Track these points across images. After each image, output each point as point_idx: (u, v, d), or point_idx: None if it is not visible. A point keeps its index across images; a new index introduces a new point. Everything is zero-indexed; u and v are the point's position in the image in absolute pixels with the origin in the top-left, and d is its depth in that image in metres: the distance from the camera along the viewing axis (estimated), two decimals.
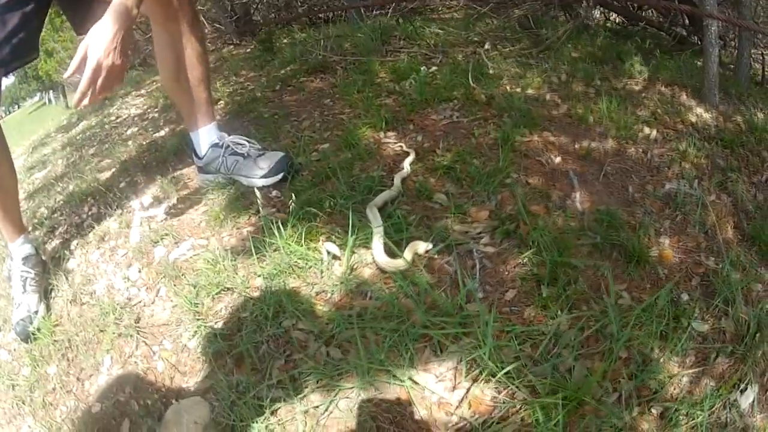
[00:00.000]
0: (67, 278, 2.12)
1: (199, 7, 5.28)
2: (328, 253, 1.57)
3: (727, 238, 1.84)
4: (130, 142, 3.32)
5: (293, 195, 1.88)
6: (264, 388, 1.32)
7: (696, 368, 1.37)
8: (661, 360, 1.35)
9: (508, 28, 3.52)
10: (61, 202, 2.81)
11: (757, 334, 1.45)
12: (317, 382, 1.30)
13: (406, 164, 1.91)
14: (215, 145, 2.21)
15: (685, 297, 1.54)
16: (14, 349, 2.02)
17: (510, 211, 1.67)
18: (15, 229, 2.23)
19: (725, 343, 1.45)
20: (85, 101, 1.58)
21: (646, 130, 2.33)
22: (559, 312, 1.39)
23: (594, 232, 1.64)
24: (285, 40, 4.29)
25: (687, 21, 3.79)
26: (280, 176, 2.06)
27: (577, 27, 3.46)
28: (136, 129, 3.70)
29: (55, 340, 1.88)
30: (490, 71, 2.69)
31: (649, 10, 4.12)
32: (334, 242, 1.60)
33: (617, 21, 4.17)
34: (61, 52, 13.69)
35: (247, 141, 2.20)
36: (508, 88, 2.53)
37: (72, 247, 2.32)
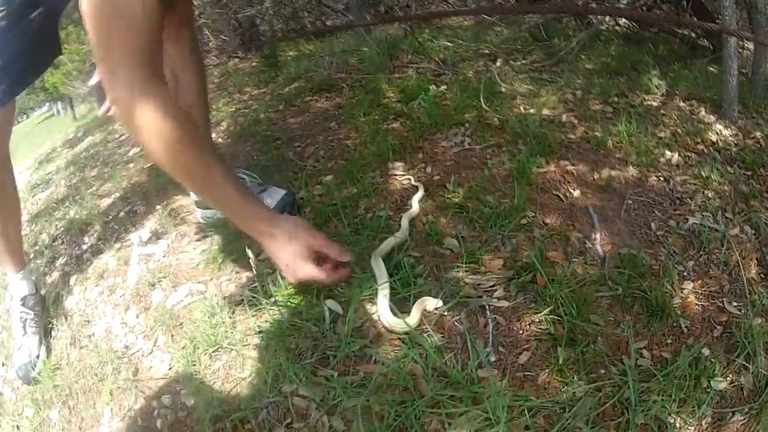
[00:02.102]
0: (66, 318, 2.08)
1: (204, 20, 5.21)
2: (330, 311, 1.48)
3: (750, 278, 1.74)
4: (131, 165, 3.27)
5: None
6: None
7: (711, 431, 1.31)
8: (678, 425, 1.28)
9: (519, 39, 3.40)
10: (62, 229, 2.76)
11: None
12: None
13: (415, 202, 1.81)
14: None
15: (706, 352, 1.46)
16: (17, 387, 1.99)
17: (526, 259, 1.57)
18: (16, 261, 2.19)
19: (742, 401, 1.38)
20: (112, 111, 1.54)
21: (668, 154, 2.23)
22: (576, 378, 1.31)
23: (615, 283, 1.54)
24: (291, 53, 4.20)
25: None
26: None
27: (589, 36, 3.34)
28: (138, 149, 3.64)
29: (56, 385, 1.83)
30: (503, 90, 2.58)
31: (661, 14, 4.00)
32: (337, 296, 1.52)
33: (628, 25, 4.03)
34: (68, 64, 13.64)
35: (248, 175, 2.13)
36: (522, 109, 2.42)
37: (71, 283, 2.26)
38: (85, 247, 2.49)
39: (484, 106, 2.37)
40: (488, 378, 1.29)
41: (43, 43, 2.04)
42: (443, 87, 2.66)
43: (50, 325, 2.10)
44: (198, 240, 2.08)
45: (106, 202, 2.90)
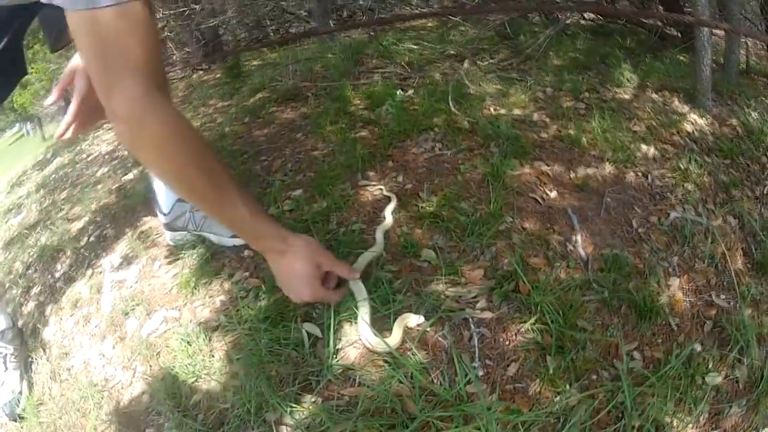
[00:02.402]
0: (44, 351, 2.05)
1: (167, 33, 5.12)
2: (309, 334, 1.40)
3: (737, 269, 1.71)
4: (99, 186, 3.20)
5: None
6: None
7: (709, 427, 1.27)
8: (675, 424, 1.23)
9: (485, 39, 3.36)
10: (35, 256, 2.70)
11: None
12: None
13: (388, 213, 1.73)
14: (181, 200, 2.04)
15: (698, 348, 1.42)
16: (5, 424, 1.95)
17: (507, 267, 1.51)
18: None
19: (738, 394, 1.35)
20: (68, 134, 1.49)
21: (644, 148, 2.19)
22: (568, 386, 1.25)
23: (601, 285, 1.49)
24: (255, 63, 4.13)
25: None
26: None
27: (556, 32, 3.31)
28: (106, 169, 3.58)
29: (41, 422, 1.79)
30: (471, 91, 2.52)
31: (629, 7, 4.00)
32: (315, 318, 1.44)
33: (593, 19, 4.01)
34: (35, 83, 13.51)
35: None
36: (492, 110, 2.37)
37: (47, 313, 2.22)
38: (57, 275, 2.43)
39: (453, 109, 2.31)
40: (477, 394, 1.23)
41: (7, 64, 1.91)
42: (410, 91, 2.60)
43: (30, 359, 2.06)
44: (169, 263, 2.01)
45: (76, 226, 2.84)
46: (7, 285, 2.47)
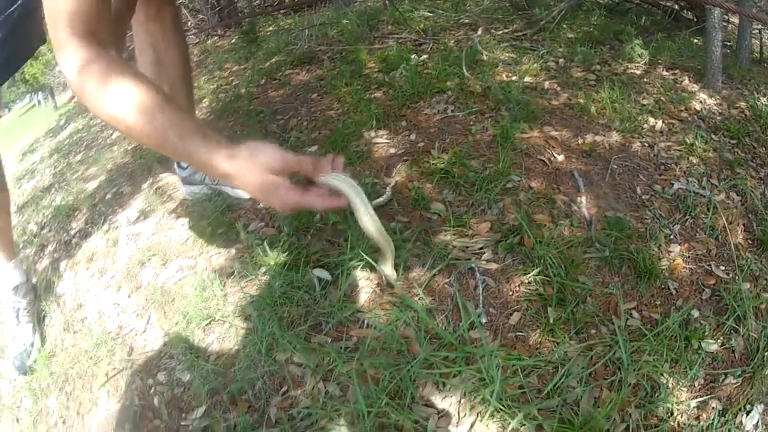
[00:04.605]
0: (58, 304, 2.07)
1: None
2: (319, 279, 1.45)
3: (737, 243, 1.74)
4: (115, 148, 3.22)
5: None
6: (262, 430, 1.25)
7: (704, 393, 1.31)
8: (670, 385, 1.28)
9: (500, 9, 3.37)
10: (50, 216, 2.74)
11: (767, 352, 1.38)
12: (316, 422, 1.21)
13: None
14: None
15: (695, 314, 1.46)
16: (14, 380, 2.00)
17: (513, 222, 1.55)
18: (6, 252, 2.19)
19: (734, 363, 1.39)
20: None
21: (651, 120, 2.21)
22: (567, 338, 1.30)
23: (602, 245, 1.53)
24: (270, 28, 4.13)
25: None
26: None
27: (571, 6, 3.31)
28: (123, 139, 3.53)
29: (51, 373, 1.83)
30: (484, 57, 2.54)
31: None
32: (326, 263, 1.49)
33: None
34: (47, 53, 13.44)
35: None
36: (504, 76, 2.39)
37: (61, 269, 2.25)
38: (73, 232, 2.47)
39: (466, 73, 2.33)
40: (480, 339, 1.28)
41: (25, 32, 1.95)
42: (424, 56, 2.62)
43: (43, 313, 2.09)
44: (185, 216, 2.05)
45: (92, 185, 2.86)
46: (21, 245, 2.52)
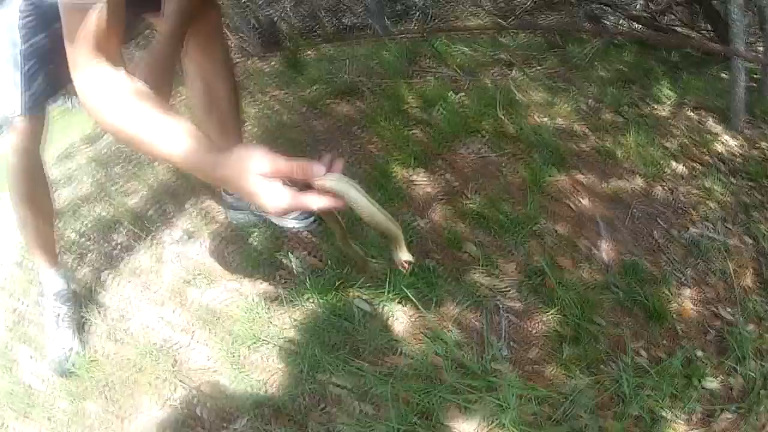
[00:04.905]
0: (100, 312, 2.18)
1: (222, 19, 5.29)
2: (359, 309, 1.64)
3: (745, 285, 1.89)
4: (157, 165, 3.32)
5: (326, 239, 1.96)
6: None
7: (700, 426, 1.46)
8: (669, 418, 1.44)
9: (535, 45, 3.53)
10: (89, 226, 2.85)
11: (762, 390, 1.53)
12: None
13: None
14: None
15: (699, 353, 1.62)
16: (48, 380, 2.06)
17: (537, 263, 1.73)
18: (49, 258, 2.25)
19: (731, 399, 1.54)
20: None
21: (674, 164, 2.37)
22: (578, 372, 1.47)
23: (617, 287, 1.70)
24: (309, 52, 4.30)
25: (711, 29, 3.77)
26: (311, 219, 2.08)
27: (604, 43, 3.46)
28: None
29: (92, 377, 1.92)
30: (518, 98, 2.71)
31: (674, 19, 4.10)
32: (366, 295, 1.68)
33: (641, 30, 4.13)
34: None
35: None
36: (536, 118, 2.56)
37: (103, 279, 2.34)
38: (115, 244, 2.58)
39: (500, 115, 2.51)
40: (501, 370, 1.46)
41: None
42: (461, 94, 2.79)
43: (84, 320, 2.16)
44: (231, 240, 2.20)
45: (134, 200, 2.98)
46: (58, 251, 2.56)
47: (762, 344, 1.67)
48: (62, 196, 3.35)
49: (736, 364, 1.59)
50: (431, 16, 4.83)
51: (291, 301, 1.78)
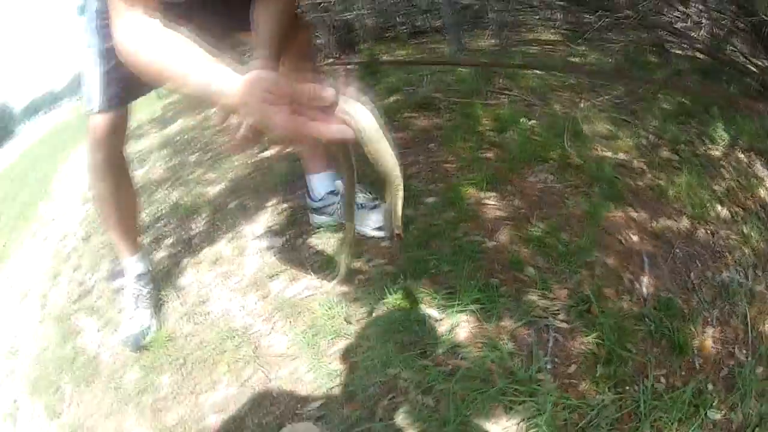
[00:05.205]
0: (178, 295, 2.35)
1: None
2: (430, 316, 1.95)
3: (762, 330, 2.11)
4: (235, 158, 3.50)
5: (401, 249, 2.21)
6: (370, 424, 1.65)
7: None
8: None
9: (603, 72, 3.75)
10: (165, 211, 3.06)
11: (756, 428, 1.76)
12: (413, 423, 1.66)
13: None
14: (332, 193, 2.37)
15: (710, 386, 1.84)
16: (116, 354, 2.23)
17: (586, 292, 2.03)
18: (131, 246, 2.35)
19: None
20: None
21: (718, 208, 2.59)
22: (606, 390, 1.74)
23: (651, 320, 1.99)
24: (385, 56, 4.47)
25: None
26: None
27: (668, 71, 3.67)
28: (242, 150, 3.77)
29: (168, 354, 2.07)
30: (584, 129, 2.97)
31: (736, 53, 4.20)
32: (436, 305, 1.99)
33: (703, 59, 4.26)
34: None
35: (362, 191, 2.38)
36: (600, 151, 2.82)
37: (182, 264, 2.55)
38: (194, 232, 2.79)
39: (567, 147, 2.78)
40: (543, 380, 1.75)
41: None
42: (533, 121, 3.06)
43: (161, 301, 2.32)
44: (313, 242, 2.40)
45: (212, 190, 3.17)
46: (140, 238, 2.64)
47: (766, 386, 1.90)
48: (134, 176, 3.42)
49: (740, 401, 1.83)
50: (505, 25, 5.02)
51: (368, 303, 2.01)
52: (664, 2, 4.15)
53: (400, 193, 1.03)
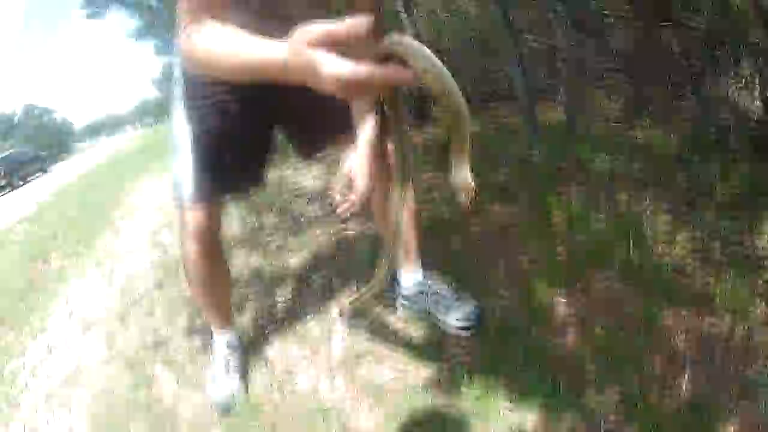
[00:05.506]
0: (266, 364, 2.56)
1: None
2: (502, 413, 2.22)
3: None
4: (316, 229, 3.80)
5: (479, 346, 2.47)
6: None
7: None
8: None
9: (666, 159, 4.02)
10: (247, 275, 3.32)
11: None
12: None
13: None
14: (421, 291, 2.59)
15: None
16: (198, 412, 2.40)
17: (633, 392, 2.50)
18: (224, 320, 2.50)
19: None
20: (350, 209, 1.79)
21: (758, 309, 2.87)
22: None
23: (683, 416, 2.45)
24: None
25: None
26: (469, 326, 2.49)
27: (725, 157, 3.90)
28: (320, 211, 4.07)
29: (255, 421, 2.23)
30: (646, 229, 3.27)
31: None
32: (509, 403, 2.23)
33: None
34: None
35: (447, 289, 2.58)
36: (660, 252, 3.02)
37: (268, 332, 2.79)
38: (278, 301, 3.02)
39: (630, 248, 3.09)
40: None
41: (261, 151, 2.16)
42: (601, 217, 3.39)
43: (248, 368, 2.50)
44: (399, 327, 2.63)
45: (294, 260, 3.43)
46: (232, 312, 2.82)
47: None
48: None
49: None
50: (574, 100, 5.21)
51: (448, 392, 2.22)
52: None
53: (467, 134, 0.97)
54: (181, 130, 1.98)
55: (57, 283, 5.10)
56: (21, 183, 31.16)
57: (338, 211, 1.81)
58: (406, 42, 0.87)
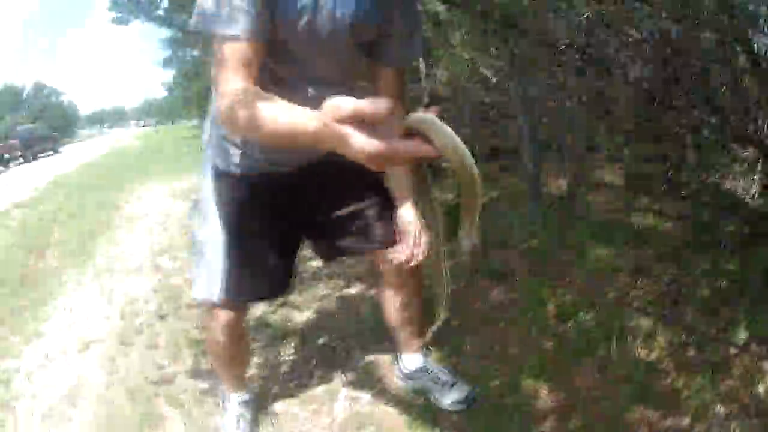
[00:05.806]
0: (272, 421, 2.69)
1: None
2: None
3: None
4: (322, 297, 3.88)
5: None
6: None
7: None
8: None
9: (653, 256, 4.26)
10: (252, 324, 3.34)
11: None
12: None
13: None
14: (422, 370, 2.76)
15: None
16: None
17: None
18: (240, 384, 2.60)
19: None
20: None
21: (719, 407, 3.03)
22: None
23: None
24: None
25: None
26: (462, 407, 2.65)
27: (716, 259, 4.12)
28: (328, 278, 4.19)
29: None
30: (630, 325, 3.34)
31: None
32: None
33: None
34: None
35: (446, 373, 2.73)
36: (637, 351, 3.15)
37: (271, 387, 2.91)
38: (282, 359, 3.17)
39: (613, 347, 3.15)
40: None
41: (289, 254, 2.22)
42: (591, 314, 3.47)
43: (259, 424, 2.62)
44: (400, 400, 2.77)
45: (299, 317, 3.57)
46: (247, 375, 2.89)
47: None
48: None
49: None
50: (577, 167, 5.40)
51: None
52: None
53: (479, 204, 1.02)
54: (210, 232, 2.04)
55: (52, 283, 5.24)
56: (32, 158, 32.76)
57: (402, 258, 2.04)
58: (429, 119, 0.93)
